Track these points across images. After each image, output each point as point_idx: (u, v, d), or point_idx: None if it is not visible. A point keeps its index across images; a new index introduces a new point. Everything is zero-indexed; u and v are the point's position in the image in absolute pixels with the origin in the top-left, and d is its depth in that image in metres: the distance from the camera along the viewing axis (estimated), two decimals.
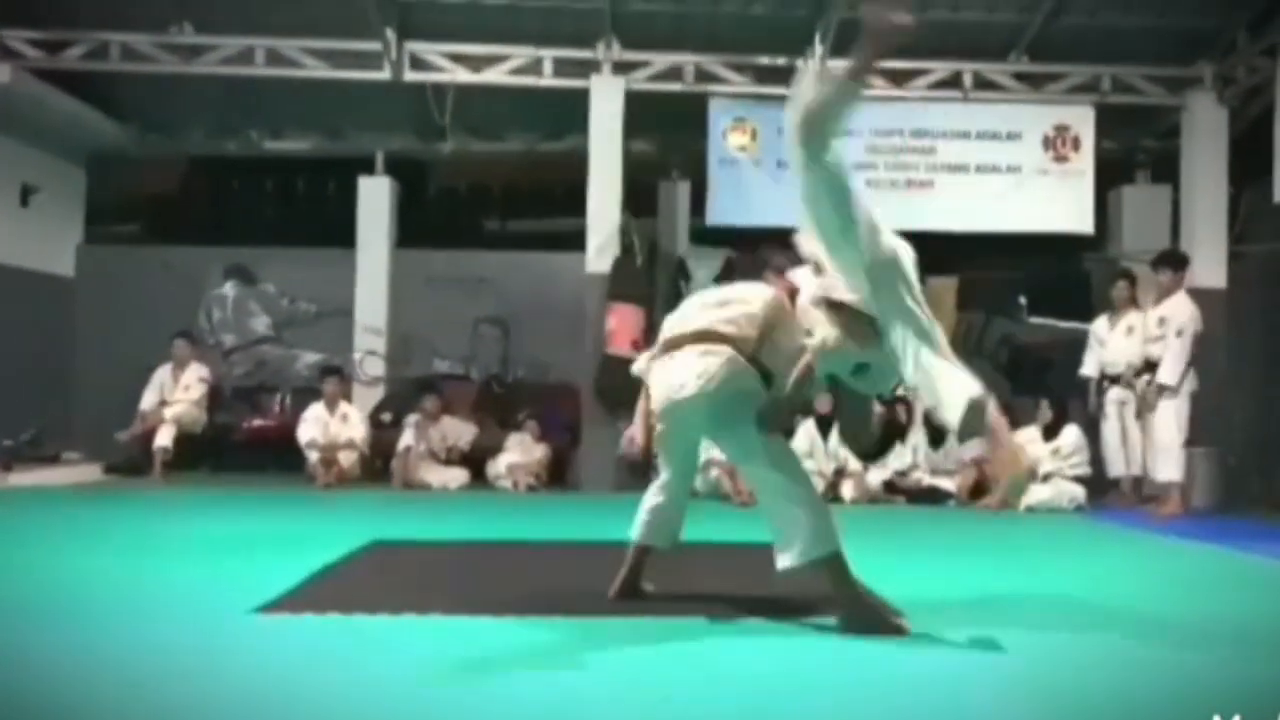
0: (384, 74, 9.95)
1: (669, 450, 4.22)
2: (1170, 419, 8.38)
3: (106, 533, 6.60)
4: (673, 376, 3.91)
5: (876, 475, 9.42)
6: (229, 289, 11.96)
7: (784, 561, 3.76)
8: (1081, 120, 10.07)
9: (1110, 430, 9.14)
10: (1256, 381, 9.98)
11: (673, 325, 4.11)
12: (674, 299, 10.96)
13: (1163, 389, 8.43)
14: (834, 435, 9.46)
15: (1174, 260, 8.86)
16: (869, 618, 3.74)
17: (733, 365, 3.85)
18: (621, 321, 9.65)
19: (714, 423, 3.94)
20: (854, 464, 9.37)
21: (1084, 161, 10.02)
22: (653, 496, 4.33)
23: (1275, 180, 8.85)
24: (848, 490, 9.28)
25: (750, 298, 4.02)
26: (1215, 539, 6.72)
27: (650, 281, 10.43)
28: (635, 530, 4.32)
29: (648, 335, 10.07)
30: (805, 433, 9.57)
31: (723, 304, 4.06)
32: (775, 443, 3.90)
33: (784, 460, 3.88)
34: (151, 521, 7.26)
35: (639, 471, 10.47)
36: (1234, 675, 3.12)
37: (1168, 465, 8.39)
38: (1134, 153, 11.20)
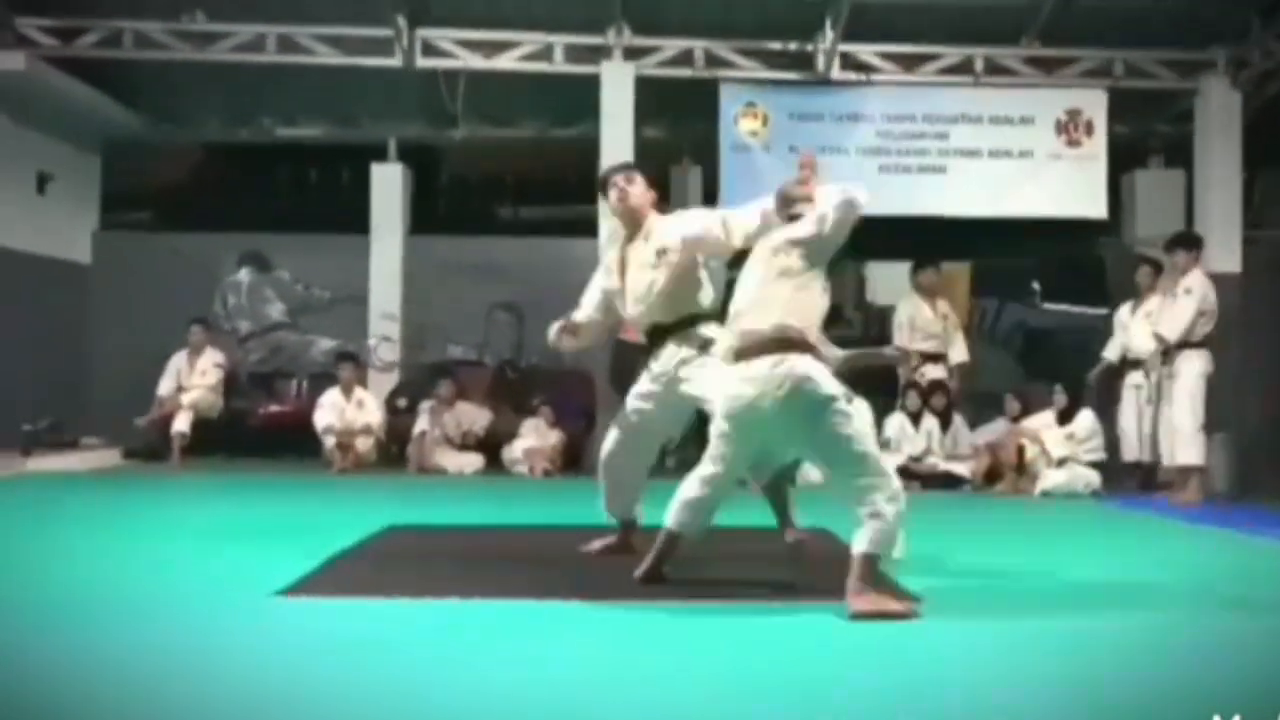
0: (396, 60, 9.96)
1: (735, 449, 4.19)
2: (1186, 403, 8.34)
3: (125, 518, 6.66)
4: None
5: (891, 461, 9.41)
6: (244, 275, 12.00)
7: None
8: (1094, 104, 10.04)
9: (1127, 415, 9.14)
10: (1272, 366, 9.96)
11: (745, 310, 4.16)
12: None
13: (1159, 341, 8.38)
14: None
15: (1188, 241, 8.82)
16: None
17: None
18: None
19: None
20: None
21: (1097, 146, 9.98)
22: (695, 488, 4.28)
23: None
24: None
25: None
26: (1234, 525, 6.72)
27: None
28: (670, 517, 4.31)
29: None
30: None
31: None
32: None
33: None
34: (170, 506, 7.33)
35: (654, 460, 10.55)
36: (1233, 674, 3.10)
37: (1188, 450, 8.32)
38: (1147, 137, 11.15)
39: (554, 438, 9.97)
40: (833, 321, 12.74)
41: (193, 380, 10.45)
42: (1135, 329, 9.06)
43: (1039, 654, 3.33)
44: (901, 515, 3.87)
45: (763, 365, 3.94)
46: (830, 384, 3.97)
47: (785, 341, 3.96)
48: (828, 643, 3.52)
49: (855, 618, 3.70)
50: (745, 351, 4.03)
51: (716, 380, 4.27)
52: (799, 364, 3.92)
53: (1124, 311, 9.37)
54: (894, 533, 3.90)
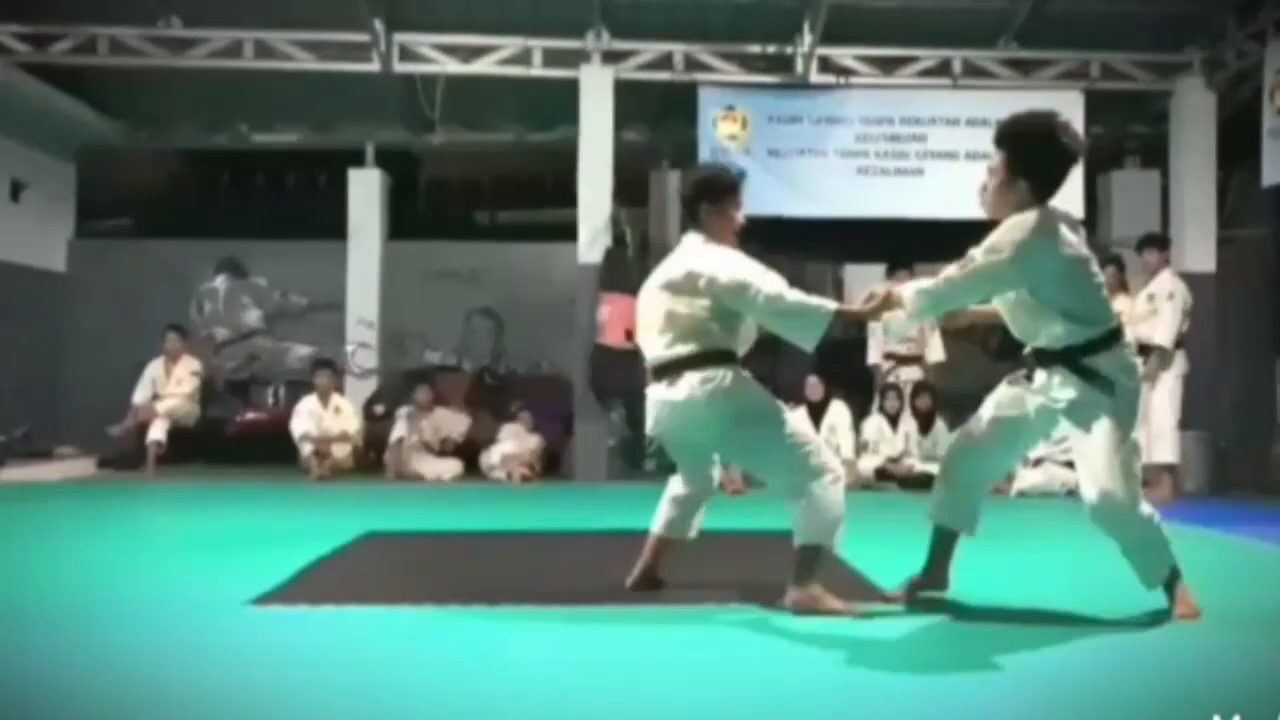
0: (373, 65, 9.92)
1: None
2: (1165, 401, 8.42)
3: (101, 527, 6.61)
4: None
5: (869, 462, 9.45)
6: (220, 282, 11.94)
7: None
8: (1071, 106, 10.04)
9: None
10: (1246, 364, 10.02)
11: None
12: None
13: (1162, 355, 8.43)
14: (825, 423, 9.48)
15: (1156, 241, 8.93)
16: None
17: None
18: (614, 312, 9.65)
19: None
20: (846, 452, 9.38)
21: None
22: (675, 488, 4.44)
23: (1264, 164, 8.88)
24: None
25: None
26: (1208, 523, 6.75)
27: (642, 272, 10.36)
28: (656, 522, 4.40)
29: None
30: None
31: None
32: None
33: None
34: (146, 515, 7.27)
35: (633, 462, 10.55)
36: (1234, 672, 3.11)
37: (1163, 448, 8.42)
38: (1123, 138, 11.21)
39: (532, 443, 9.94)
40: None
41: (169, 388, 10.37)
42: None
43: (1029, 656, 3.31)
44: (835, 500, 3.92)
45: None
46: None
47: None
48: (803, 643, 3.51)
49: (795, 612, 3.83)
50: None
51: None
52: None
53: None
54: (830, 518, 3.93)
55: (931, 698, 2.88)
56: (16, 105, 10.19)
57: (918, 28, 9.80)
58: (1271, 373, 10.10)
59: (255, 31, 9.84)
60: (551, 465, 10.11)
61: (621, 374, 9.93)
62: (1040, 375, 3.91)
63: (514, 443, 9.87)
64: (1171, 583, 3.84)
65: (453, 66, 10.10)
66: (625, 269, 9.83)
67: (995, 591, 4.33)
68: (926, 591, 4.13)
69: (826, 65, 10.01)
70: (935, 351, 10.04)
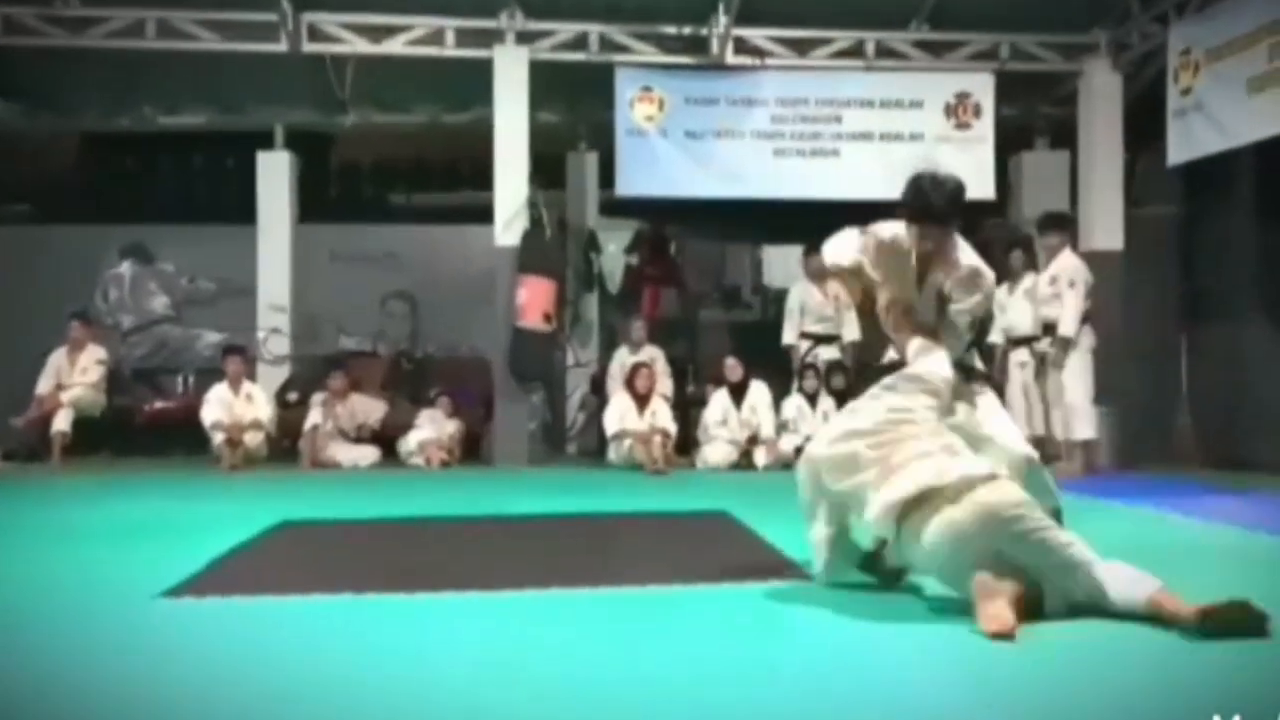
0: (281, 46, 9.69)
1: None
2: (1077, 378, 8.62)
3: (4, 521, 6.42)
4: None
5: (789, 441, 9.50)
6: (126, 269, 11.64)
7: None
8: (982, 88, 10.20)
9: (1015, 392, 9.32)
10: (1153, 340, 10.25)
11: None
12: (585, 271, 11.02)
13: (1065, 342, 8.63)
14: (746, 404, 9.54)
15: (1058, 221, 9.13)
16: None
17: None
18: (532, 294, 9.59)
19: None
20: (767, 431, 9.45)
21: (985, 128, 10.16)
22: None
23: (1168, 144, 9.07)
24: (761, 457, 9.37)
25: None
26: (1117, 496, 6.90)
27: (560, 254, 10.39)
28: None
29: (558, 308, 10.05)
30: (718, 401, 9.63)
31: None
32: None
33: None
34: (51, 508, 7.07)
35: (554, 444, 10.52)
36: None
37: (1081, 424, 8.63)
38: (1033, 119, 11.38)
39: (451, 428, 9.85)
40: (731, 303, 12.83)
41: (73, 378, 10.09)
42: (1014, 308, 9.25)
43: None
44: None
45: None
46: None
47: None
48: (739, 623, 3.51)
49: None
50: None
51: None
52: None
53: (1001, 293, 9.53)
54: None
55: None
56: None
57: (831, 9, 9.84)
58: (1177, 348, 10.35)
59: (158, 10, 9.54)
60: (471, 450, 10.03)
61: (541, 356, 9.89)
62: None
63: (432, 428, 9.77)
64: None
65: (363, 46, 9.91)
66: (543, 251, 9.77)
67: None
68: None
69: (742, 46, 10.01)
70: (851, 331, 10.12)
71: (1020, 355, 9.25)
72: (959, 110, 10.12)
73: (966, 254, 4.14)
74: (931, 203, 4.09)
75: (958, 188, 4.12)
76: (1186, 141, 8.92)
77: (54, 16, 9.49)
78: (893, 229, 4.20)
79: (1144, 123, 9.78)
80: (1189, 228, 10.43)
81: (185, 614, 3.74)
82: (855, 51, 10.11)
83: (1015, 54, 10.20)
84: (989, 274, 4.19)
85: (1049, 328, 8.83)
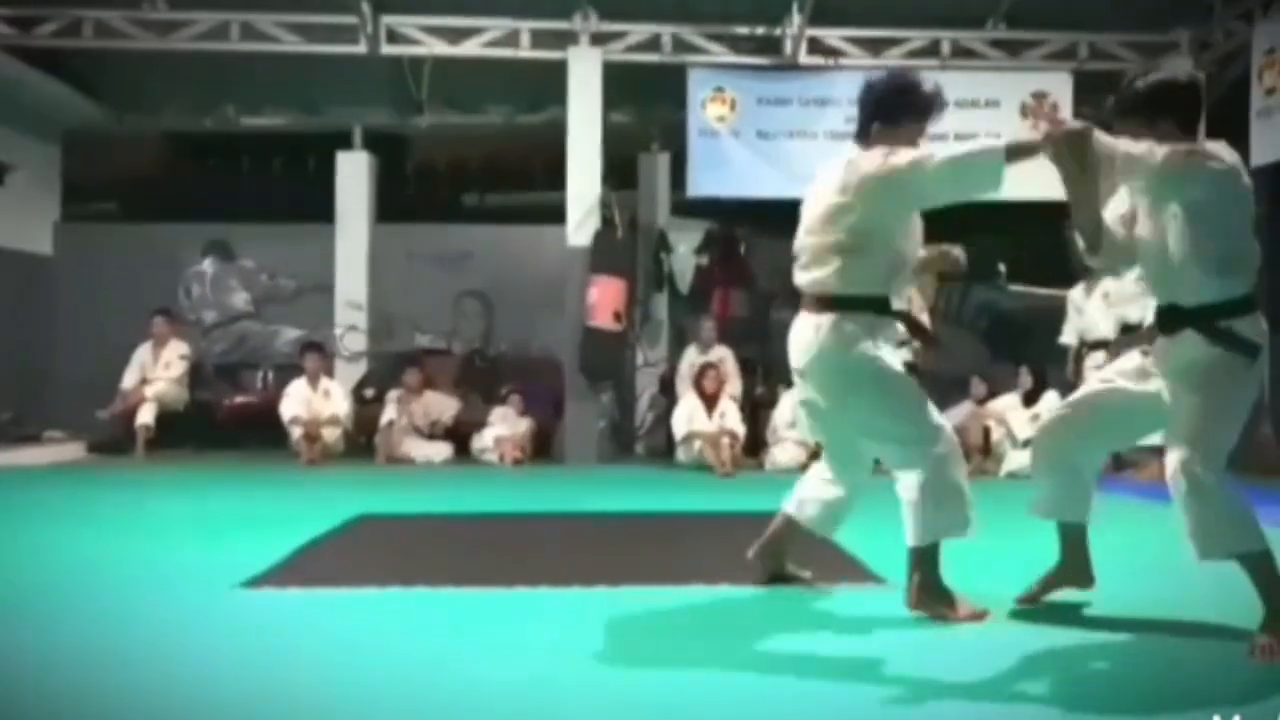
0: (360, 48, 9.87)
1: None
2: None
3: (91, 512, 6.58)
4: None
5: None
6: (208, 265, 11.88)
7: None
8: (1060, 87, 10.07)
9: None
10: None
11: None
12: (655, 271, 11.05)
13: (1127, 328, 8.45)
14: None
15: None
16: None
17: None
18: (603, 294, 9.65)
19: None
20: None
21: None
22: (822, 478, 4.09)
23: (1252, 144, 8.89)
24: None
25: None
26: None
27: (631, 254, 10.43)
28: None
29: (629, 308, 10.10)
30: (787, 402, 9.59)
31: None
32: None
33: None
34: (136, 500, 7.25)
35: (622, 443, 10.56)
36: (1234, 672, 3.03)
37: None
38: (1113, 119, 11.20)
39: (523, 426, 9.93)
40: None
41: (157, 372, 10.33)
42: (1092, 311, 9.11)
43: (1024, 655, 3.18)
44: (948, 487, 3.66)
45: None
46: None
47: None
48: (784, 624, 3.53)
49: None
50: None
51: None
52: None
53: (1077, 294, 9.40)
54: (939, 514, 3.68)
55: (922, 697, 2.84)
56: (1, 88, 10.11)
57: (906, 8, 9.78)
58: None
59: (241, 14, 9.77)
60: (542, 447, 10.10)
61: (611, 356, 9.94)
62: (1162, 343, 3.52)
63: (504, 425, 9.86)
64: (1258, 564, 3.34)
65: (440, 48, 10.05)
66: (614, 251, 9.82)
67: (984, 584, 4.30)
68: (1065, 587, 3.79)
69: (815, 46, 9.99)
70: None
71: (1097, 358, 9.11)
72: (1036, 110, 10.00)
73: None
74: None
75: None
76: (1271, 141, 8.75)
77: (141, 20, 9.75)
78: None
79: (1227, 123, 9.59)
80: (1273, 229, 10.19)
81: (265, 604, 3.82)
82: (930, 51, 10.05)
83: (1094, 53, 10.06)
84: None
85: (1128, 328, 8.67)
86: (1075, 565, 3.77)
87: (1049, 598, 3.78)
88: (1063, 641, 3.31)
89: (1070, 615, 3.68)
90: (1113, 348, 8.92)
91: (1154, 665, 3.07)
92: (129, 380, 10.25)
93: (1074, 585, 3.79)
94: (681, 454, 9.54)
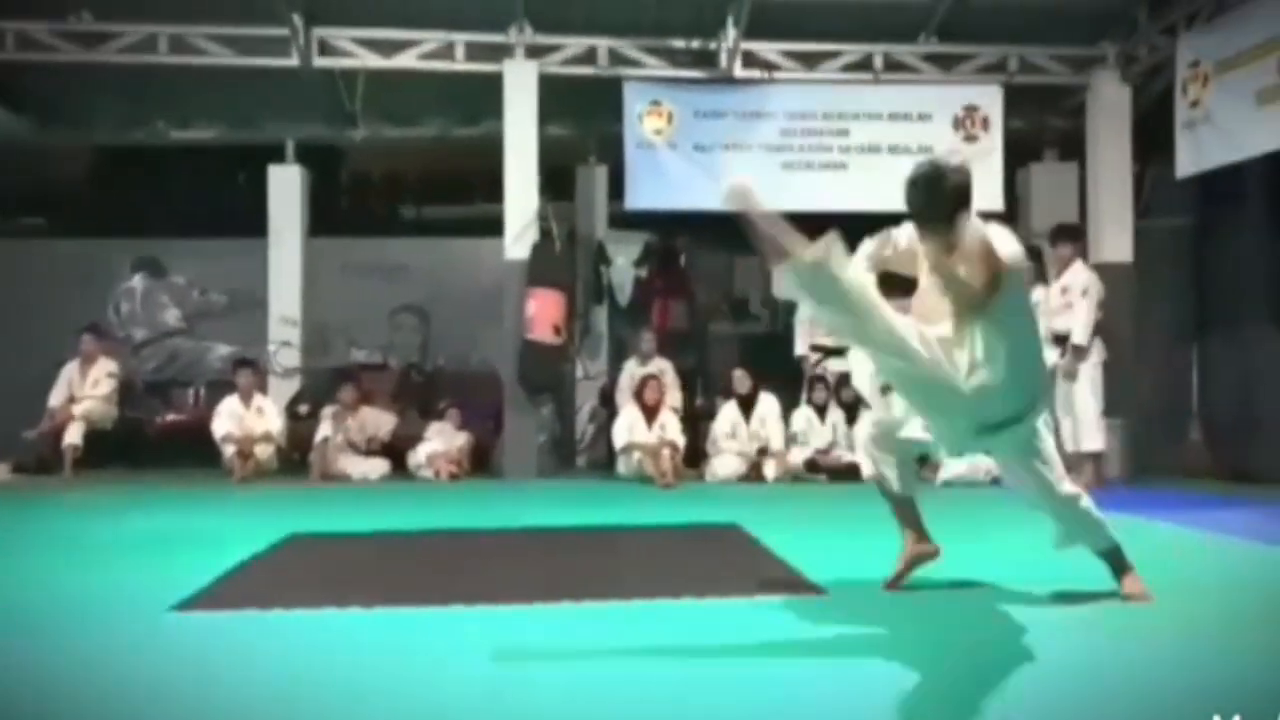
0: (292, 60, 9.74)
1: None
2: (1087, 390, 8.62)
3: (16, 534, 6.44)
4: None
5: (799, 454, 9.50)
6: (138, 282, 11.70)
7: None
8: (990, 100, 10.21)
9: None
10: (1163, 352, 10.23)
11: None
12: (594, 283, 11.03)
13: (1079, 350, 8.60)
14: (755, 416, 9.54)
15: (1070, 233, 9.12)
16: None
17: None
18: (541, 307, 9.61)
19: None
20: (776, 444, 9.45)
21: (993, 141, 10.17)
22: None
23: (1177, 156, 9.07)
24: (770, 470, 9.36)
25: None
26: (1128, 508, 6.86)
27: (570, 267, 10.41)
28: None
29: (568, 320, 10.06)
30: (727, 414, 9.63)
31: None
32: None
33: None
34: (63, 521, 7.10)
35: (563, 456, 10.52)
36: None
37: (1090, 436, 8.62)
38: (1042, 131, 11.38)
39: (460, 440, 9.86)
40: (740, 316, 12.80)
41: (85, 391, 10.12)
42: None
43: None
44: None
45: None
46: None
47: None
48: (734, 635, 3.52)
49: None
50: None
51: None
52: None
53: None
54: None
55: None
56: None
57: (840, 22, 9.86)
58: (1188, 360, 10.33)
59: (170, 26, 9.60)
60: (481, 462, 10.04)
61: (550, 369, 9.90)
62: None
63: (441, 440, 9.78)
64: (1116, 560, 3.99)
65: (373, 61, 9.96)
66: (553, 264, 9.79)
67: (967, 586, 4.31)
68: (921, 553, 4.17)
69: (750, 60, 10.03)
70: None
71: None
72: (967, 123, 10.14)
73: (986, 234, 3.72)
74: (911, 204, 3.88)
75: (929, 180, 3.81)
76: (1196, 153, 8.92)
77: (67, 31, 9.55)
78: (906, 233, 4.09)
79: (1153, 135, 9.78)
80: (1199, 240, 10.42)
81: (197, 627, 3.74)
82: (864, 65, 10.13)
83: (1024, 66, 10.21)
84: (1006, 246, 3.72)
85: (1060, 339, 8.82)
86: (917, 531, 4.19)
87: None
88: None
89: (1051, 615, 3.67)
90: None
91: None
92: (56, 399, 10.04)
93: (926, 552, 4.18)
94: (622, 466, 9.53)
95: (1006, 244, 3.70)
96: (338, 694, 2.92)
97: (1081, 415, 8.63)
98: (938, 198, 3.74)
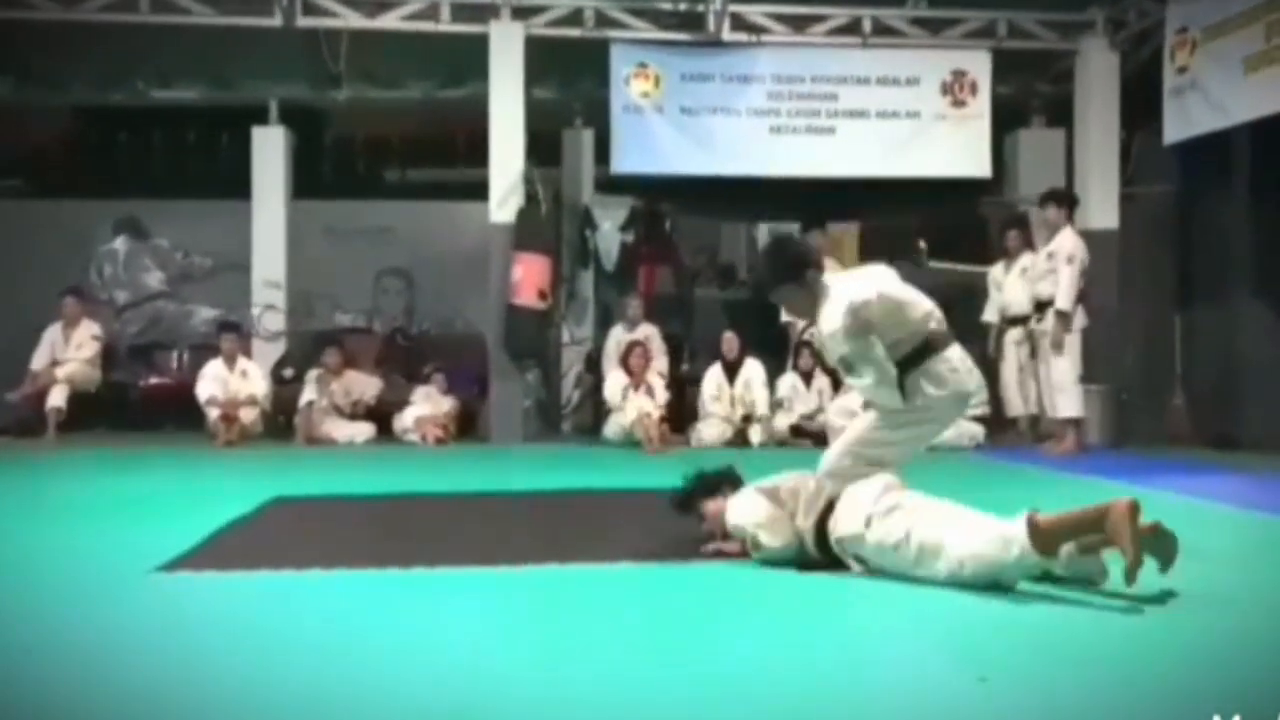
0: (275, 20, 9.64)
1: None
2: (1064, 357, 8.62)
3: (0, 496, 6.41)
4: None
5: (784, 419, 9.52)
6: (120, 244, 11.61)
7: None
8: (979, 65, 10.19)
9: (1008, 370, 9.35)
10: (1147, 319, 10.26)
11: None
12: (580, 248, 10.99)
13: (1060, 315, 8.60)
14: (740, 381, 9.54)
15: (1059, 197, 9.08)
16: None
17: None
18: (527, 271, 9.58)
19: None
20: (761, 409, 9.45)
21: (981, 106, 10.15)
22: None
23: (1164, 123, 9.06)
24: (755, 435, 9.37)
25: None
26: (1111, 474, 6.91)
27: (555, 231, 10.37)
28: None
29: (554, 285, 10.03)
30: (713, 377, 9.63)
31: None
32: None
33: None
34: (45, 483, 7.08)
35: (549, 421, 10.51)
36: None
37: (1068, 402, 8.62)
38: (1029, 97, 11.35)
39: (446, 405, 9.85)
40: (726, 281, 12.74)
41: (68, 353, 10.06)
42: (1010, 287, 9.26)
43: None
44: None
45: None
46: None
47: None
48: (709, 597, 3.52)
49: None
50: None
51: None
52: None
53: (997, 271, 9.56)
54: None
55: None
56: None
57: None
58: (1172, 327, 10.36)
59: None
60: (466, 427, 10.03)
61: (536, 334, 9.88)
62: None
63: (427, 404, 9.76)
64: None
65: (357, 21, 9.86)
66: (538, 228, 9.75)
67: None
68: None
69: (738, 23, 9.97)
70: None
71: (1015, 334, 9.27)
72: (955, 88, 10.11)
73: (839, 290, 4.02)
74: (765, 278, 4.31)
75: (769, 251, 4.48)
76: (1183, 120, 8.91)
77: None
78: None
79: (1140, 101, 9.77)
80: (1185, 207, 10.42)
81: (180, 589, 3.73)
82: (852, 28, 10.08)
83: (1012, 32, 10.18)
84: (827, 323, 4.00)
85: (1043, 304, 8.83)
86: None
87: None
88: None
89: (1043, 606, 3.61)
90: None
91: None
92: (39, 361, 9.98)
93: None
94: (608, 430, 9.52)
95: (829, 319, 3.99)
96: (323, 654, 2.92)
97: (1059, 382, 8.63)
98: (781, 264, 4.19)
